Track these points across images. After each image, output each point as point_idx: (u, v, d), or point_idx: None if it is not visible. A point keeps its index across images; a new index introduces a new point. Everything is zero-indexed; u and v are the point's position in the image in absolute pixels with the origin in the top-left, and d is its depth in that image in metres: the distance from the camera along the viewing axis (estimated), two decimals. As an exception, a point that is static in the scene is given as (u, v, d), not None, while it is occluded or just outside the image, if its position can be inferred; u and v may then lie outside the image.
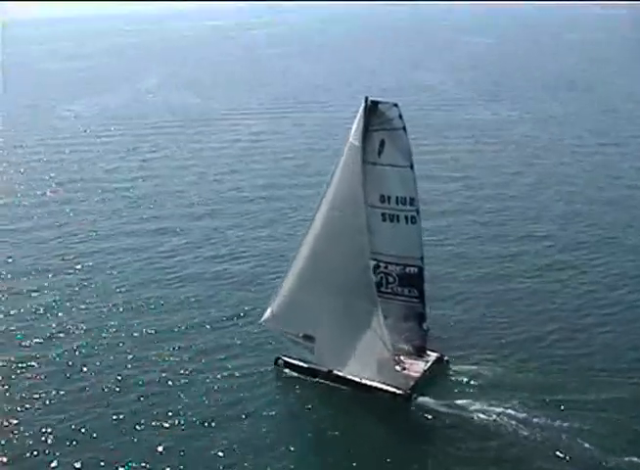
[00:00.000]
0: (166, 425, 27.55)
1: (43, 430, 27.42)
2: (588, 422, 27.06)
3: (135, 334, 34.75)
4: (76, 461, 25.68)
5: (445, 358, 30.93)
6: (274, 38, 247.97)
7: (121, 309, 37.55)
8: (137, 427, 27.50)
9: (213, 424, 27.57)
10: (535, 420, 27.19)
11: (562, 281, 39.90)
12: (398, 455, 25.98)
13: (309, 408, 28.88)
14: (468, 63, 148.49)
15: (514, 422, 27.14)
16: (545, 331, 34.21)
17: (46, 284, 41.03)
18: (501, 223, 50.04)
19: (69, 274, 42.37)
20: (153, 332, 34.90)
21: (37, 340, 34.37)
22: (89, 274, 42.18)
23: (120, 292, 39.64)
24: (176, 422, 27.73)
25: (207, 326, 35.23)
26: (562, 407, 27.97)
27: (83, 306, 37.99)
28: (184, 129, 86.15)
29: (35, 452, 26.21)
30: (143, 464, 25.46)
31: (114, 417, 28.11)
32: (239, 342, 33.46)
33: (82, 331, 35.22)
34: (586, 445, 25.84)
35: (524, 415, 27.47)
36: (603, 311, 36.37)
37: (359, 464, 25.59)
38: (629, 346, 33.02)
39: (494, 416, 27.46)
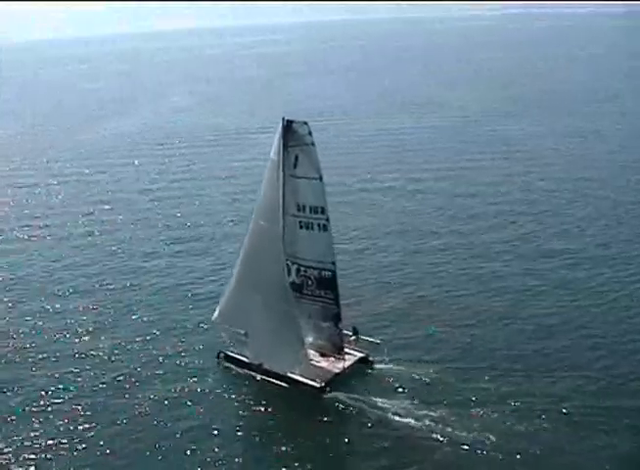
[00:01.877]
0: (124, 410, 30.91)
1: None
2: (498, 419, 28.84)
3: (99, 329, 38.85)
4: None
5: (370, 358, 33.18)
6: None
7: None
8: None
9: (160, 406, 31.13)
10: (448, 419, 28.86)
11: (493, 284, 42.41)
12: (304, 442, 28.50)
13: (239, 396, 31.91)
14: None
15: (419, 419, 28.99)
16: (471, 333, 36.23)
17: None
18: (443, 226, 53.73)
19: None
20: (117, 324, 39.17)
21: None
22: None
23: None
24: (133, 403, 31.32)
25: (163, 323, 38.96)
26: (472, 405, 29.79)
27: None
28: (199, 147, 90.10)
29: None
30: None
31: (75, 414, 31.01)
32: (191, 337, 36.96)
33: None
34: (492, 439, 27.60)
35: (432, 413, 29.28)
36: (531, 313, 38.33)
37: (268, 448, 28.47)
38: (553, 345, 34.75)
39: (400, 412, 29.52)
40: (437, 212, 57.35)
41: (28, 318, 40.62)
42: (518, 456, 26.81)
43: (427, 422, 28.88)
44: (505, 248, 48.36)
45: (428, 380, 31.90)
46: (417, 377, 32.09)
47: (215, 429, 29.36)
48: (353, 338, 33.63)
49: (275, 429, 29.53)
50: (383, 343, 33.91)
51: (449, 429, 28.38)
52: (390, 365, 33.00)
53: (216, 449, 28.17)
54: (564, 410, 29.23)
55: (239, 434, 29.45)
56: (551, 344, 34.95)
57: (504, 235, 50.97)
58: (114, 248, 52.48)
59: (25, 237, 56.28)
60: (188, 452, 28.05)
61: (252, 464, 27.87)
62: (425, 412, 29.43)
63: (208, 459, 27.63)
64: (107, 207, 63.89)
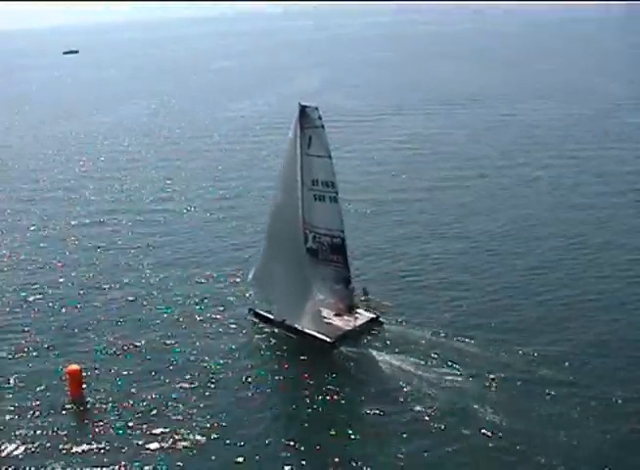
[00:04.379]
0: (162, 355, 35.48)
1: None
2: (501, 390, 30.28)
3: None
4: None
5: (380, 319, 36.79)
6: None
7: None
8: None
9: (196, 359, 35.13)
10: (453, 384, 30.90)
11: (510, 250, 45.52)
12: (309, 390, 31.75)
13: (261, 348, 36.24)
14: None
15: (422, 380, 31.21)
16: (487, 300, 38.61)
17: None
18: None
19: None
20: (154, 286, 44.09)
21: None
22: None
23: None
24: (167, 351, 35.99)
25: (203, 282, 44.09)
26: (476, 373, 31.47)
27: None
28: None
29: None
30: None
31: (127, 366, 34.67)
32: (228, 295, 41.95)
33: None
34: (491, 409, 28.90)
35: (436, 376, 31.40)
36: (546, 284, 40.17)
37: (277, 394, 32.31)
38: (564, 317, 36.49)
39: (403, 370, 32.30)
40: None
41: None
42: (508, 429, 27.65)
43: (427, 381, 31.11)
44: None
45: (435, 343, 34.27)
46: (424, 339, 34.73)
47: (235, 376, 33.14)
48: (363, 298, 37.26)
49: (287, 377, 33.11)
50: (394, 305, 37.38)
51: (449, 390, 30.35)
52: (400, 327, 36.28)
53: (227, 394, 31.75)
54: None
55: (255, 381, 32.84)
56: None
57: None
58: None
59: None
60: (204, 400, 31.25)
61: (261, 409, 30.69)
62: (425, 372, 31.77)
63: (224, 403, 31.09)
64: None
